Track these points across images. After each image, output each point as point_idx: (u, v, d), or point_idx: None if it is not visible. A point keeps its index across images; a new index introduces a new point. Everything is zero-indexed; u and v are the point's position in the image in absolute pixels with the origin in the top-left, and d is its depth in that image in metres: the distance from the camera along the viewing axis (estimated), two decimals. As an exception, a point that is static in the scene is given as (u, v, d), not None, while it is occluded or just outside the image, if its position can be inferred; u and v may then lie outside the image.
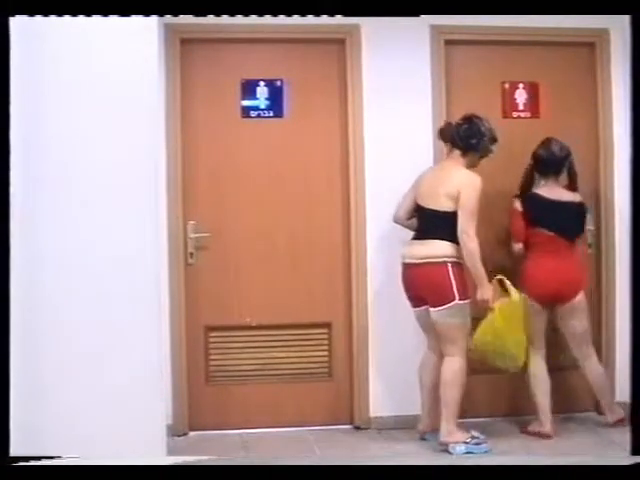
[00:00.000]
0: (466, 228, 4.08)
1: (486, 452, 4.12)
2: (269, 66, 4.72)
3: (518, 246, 4.44)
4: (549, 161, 4.43)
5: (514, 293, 4.21)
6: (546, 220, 4.38)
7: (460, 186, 4.12)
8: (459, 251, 4.11)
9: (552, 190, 4.43)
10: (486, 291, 4.12)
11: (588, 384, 4.54)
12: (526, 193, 4.46)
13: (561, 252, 4.39)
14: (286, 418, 4.67)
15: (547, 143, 4.46)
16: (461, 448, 4.12)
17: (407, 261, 4.25)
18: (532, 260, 4.40)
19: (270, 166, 4.70)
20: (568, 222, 4.43)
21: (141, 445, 3.29)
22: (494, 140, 4.26)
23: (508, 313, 4.18)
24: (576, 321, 4.42)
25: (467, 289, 4.14)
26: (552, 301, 4.38)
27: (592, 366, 4.49)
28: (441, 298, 4.11)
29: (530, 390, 4.45)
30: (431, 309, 4.16)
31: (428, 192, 4.24)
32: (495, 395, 4.80)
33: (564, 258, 4.39)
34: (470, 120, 4.25)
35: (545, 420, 4.39)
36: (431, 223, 4.20)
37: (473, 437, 4.16)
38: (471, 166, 4.24)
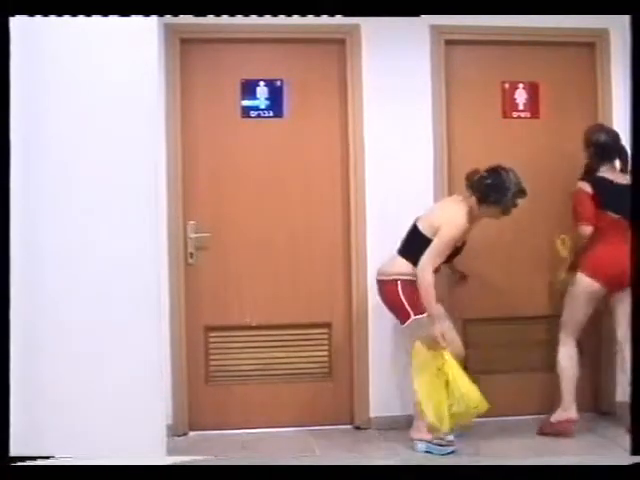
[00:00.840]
0: (426, 264, 4.09)
1: (447, 454, 4.13)
2: (269, 66, 4.72)
3: (589, 229, 4.36)
4: (611, 146, 4.43)
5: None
6: (614, 203, 4.35)
7: (443, 223, 4.13)
8: (413, 270, 4.14)
9: (614, 174, 4.43)
10: (438, 328, 4.08)
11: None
12: (592, 176, 4.42)
13: (624, 235, 4.36)
14: (286, 418, 4.67)
15: (602, 129, 4.48)
16: (422, 446, 4.19)
17: (376, 277, 4.37)
18: (601, 243, 4.36)
19: (270, 166, 4.71)
20: (629, 205, 4.43)
21: (141, 445, 3.29)
22: (521, 193, 4.16)
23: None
24: (622, 307, 4.40)
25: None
26: (617, 284, 4.33)
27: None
28: (400, 316, 4.20)
29: (559, 376, 4.43)
30: (401, 326, 4.25)
31: (427, 214, 4.28)
32: (496, 395, 4.80)
33: (627, 241, 4.39)
34: (496, 173, 4.16)
35: (571, 406, 4.39)
36: (408, 240, 4.25)
37: (438, 438, 4.16)
38: (483, 215, 4.21)
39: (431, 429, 4.12)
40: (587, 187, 4.39)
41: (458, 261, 4.48)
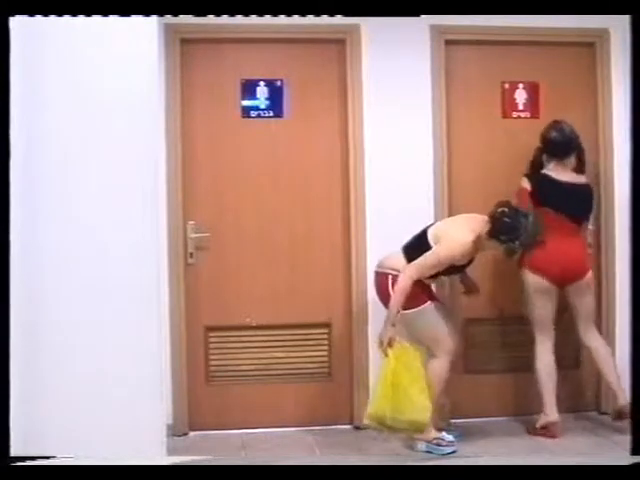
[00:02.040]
0: (411, 270, 4.08)
1: (447, 454, 4.11)
2: (269, 66, 4.72)
3: None
4: (560, 143, 4.44)
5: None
6: (554, 201, 4.38)
7: (444, 238, 4.12)
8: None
9: (561, 172, 4.43)
10: (385, 332, 4.05)
11: (595, 365, 4.49)
12: (533, 173, 4.46)
13: (568, 232, 4.40)
14: (286, 418, 4.67)
15: (557, 125, 4.47)
16: (422, 446, 4.18)
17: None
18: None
19: (270, 166, 4.70)
20: (575, 203, 4.44)
21: (141, 445, 3.29)
22: (534, 243, 4.13)
23: (405, 360, 4.03)
24: (587, 298, 4.44)
25: (413, 297, 4.09)
26: (562, 279, 4.36)
27: (599, 344, 4.46)
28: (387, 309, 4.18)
29: (536, 378, 4.42)
30: None
31: (442, 222, 4.33)
32: (496, 395, 4.80)
33: (571, 238, 4.42)
34: (517, 215, 4.07)
35: (552, 409, 4.37)
36: (414, 239, 4.24)
37: (438, 438, 4.16)
38: (487, 246, 4.15)
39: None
40: (526, 184, 4.43)
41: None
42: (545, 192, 4.40)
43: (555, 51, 4.85)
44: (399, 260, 4.19)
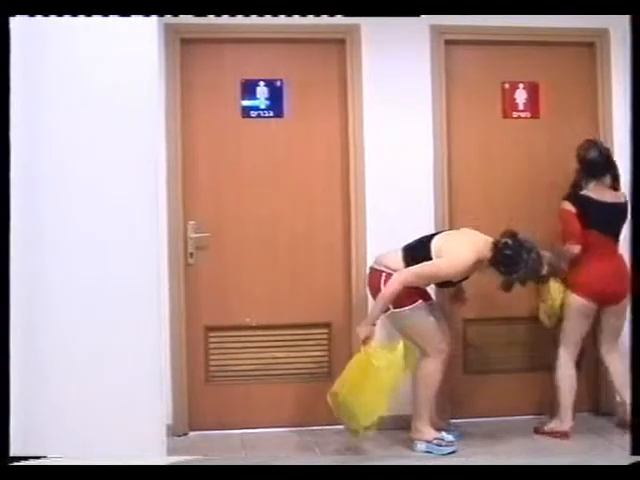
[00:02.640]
0: (408, 275, 4.06)
1: (446, 454, 4.12)
2: (269, 66, 4.72)
3: (577, 247, 4.36)
4: (600, 163, 4.44)
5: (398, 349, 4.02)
6: (598, 222, 4.38)
7: (447, 253, 4.09)
8: (401, 266, 4.14)
9: (601, 192, 4.43)
10: (363, 330, 4.05)
11: (610, 379, 4.51)
12: (576, 195, 4.43)
13: (612, 252, 4.42)
14: (286, 418, 4.67)
15: (594, 145, 4.46)
16: (422, 446, 4.18)
17: None
18: (586, 261, 4.37)
19: (270, 166, 4.71)
20: (617, 223, 4.43)
21: (141, 445, 3.29)
22: (535, 277, 4.13)
23: (364, 364, 4.01)
24: (621, 320, 4.44)
25: (405, 296, 4.09)
26: (607, 300, 4.39)
27: (618, 366, 4.45)
28: None
29: (557, 388, 4.44)
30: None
31: (448, 235, 4.26)
32: (496, 395, 4.80)
33: (615, 258, 4.43)
34: (520, 249, 4.03)
35: (567, 419, 4.39)
36: (417, 243, 4.22)
37: (437, 439, 4.17)
38: (487, 269, 4.14)
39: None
40: (571, 207, 4.40)
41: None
42: (590, 214, 4.38)
43: (555, 51, 4.85)
44: (396, 260, 4.19)
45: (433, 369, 4.17)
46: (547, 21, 4.45)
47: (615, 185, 4.49)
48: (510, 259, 4.01)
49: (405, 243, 4.26)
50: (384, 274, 4.18)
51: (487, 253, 4.08)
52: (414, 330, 4.20)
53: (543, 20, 4.36)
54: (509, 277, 4.05)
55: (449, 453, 4.13)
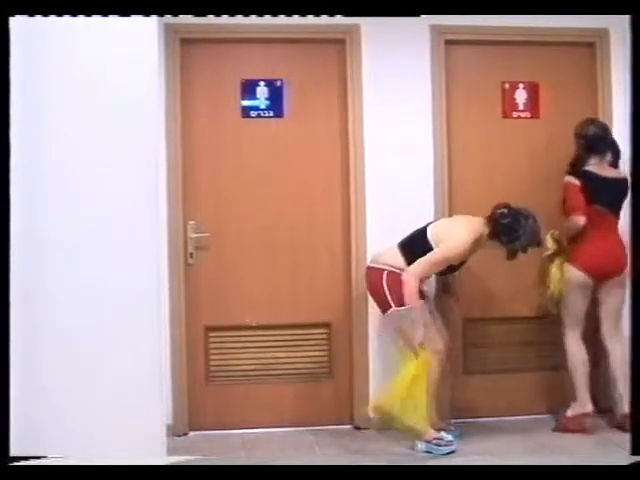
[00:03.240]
0: (415, 272, 4.12)
1: (446, 454, 4.10)
2: (269, 66, 4.72)
3: (582, 219, 4.36)
4: (602, 138, 4.46)
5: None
6: (601, 197, 4.39)
7: (446, 239, 4.15)
8: (403, 263, 4.16)
9: (602, 167, 4.44)
10: (418, 334, 4.09)
11: (608, 368, 4.49)
12: (579, 170, 4.44)
13: (611, 227, 4.43)
14: (286, 418, 4.67)
15: (593, 122, 4.51)
16: (422, 446, 4.16)
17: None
18: (588, 235, 4.38)
19: (270, 166, 4.70)
20: (618, 199, 4.43)
21: (141, 445, 3.29)
22: (534, 244, 4.20)
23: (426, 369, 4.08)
24: (620, 296, 4.43)
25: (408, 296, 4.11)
26: (605, 275, 4.39)
27: (619, 350, 4.43)
28: (381, 305, 4.23)
29: (570, 370, 4.44)
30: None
31: (440, 222, 4.34)
32: (496, 395, 4.80)
33: (614, 233, 4.44)
34: (516, 216, 4.14)
35: (586, 400, 4.39)
36: (413, 237, 4.26)
37: (437, 438, 4.16)
38: (489, 244, 4.21)
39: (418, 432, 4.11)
40: (575, 180, 4.41)
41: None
42: (594, 189, 4.40)
43: (555, 51, 4.85)
44: (395, 256, 4.22)
45: (431, 370, 4.15)
46: (547, 21, 4.44)
47: (615, 162, 4.50)
48: (509, 227, 4.11)
49: (401, 240, 4.27)
50: (385, 272, 4.19)
51: (484, 229, 4.18)
52: (412, 329, 4.18)
53: (543, 20, 4.36)
54: (512, 245, 4.14)
55: (448, 453, 4.13)
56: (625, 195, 4.41)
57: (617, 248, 4.42)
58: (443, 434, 4.21)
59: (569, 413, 4.45)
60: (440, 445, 4.15)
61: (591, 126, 4.49)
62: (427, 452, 4.14)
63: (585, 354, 4.44)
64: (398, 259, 4.20)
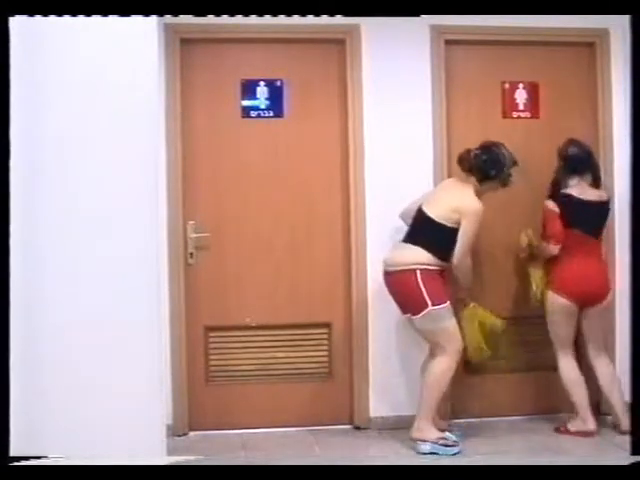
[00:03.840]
0: (462, 255, 4.16)
1: (453, 455, 4.08)
2: (269, 66, 4.72)
3: (556, 248, 4.36)
4: (581, 159, 4.44)
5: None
6: (581, 221, 4.38)
7: (462, 212, 4.15)
8: (434, 260, 4.14)
9: (583, 190, 4.42)
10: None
11: (597, 384, 4.48)
12: (558, 193, 4.43)
13: (593, 252, 4.42)
14: (286, 418, 4.67)
15: (574, 142, 4.47)
16: (426, 446, 4.13)
17: (384, 268, 4.30)
18: (568, 261, 4.37)
19: (270, 166, 4.70)
20: (598, 222, 4.44)
21: (141, 445, 3.29)
22: (514, 164, 4.28)
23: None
24: (603, 320, 4.44)
25: (442, 293, 4.13)
26: (588, 302, 4.37)
27: (607, 371, 4.45)
28: (415, 306, 4.14)
29: (567, 391, 4.43)
30: (411, 317, 4.21)
31: (433, 200, 4.28)
32: (497, 395, 4.80)
33: (596, 258, 4.44)
34: (489, 149, 4.26)
35: (587, 418, 4.37)
36: (421, 229, 4.23)
37: (442, 438, 4.15)
38: (485, 192, 4.27)
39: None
40: (554, 206, 4.39)
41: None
42: (573, 213, 4.37)
43: (555, 51, 4.85)
44: (421, 254, 4.15)
45: (447, 368, 4.14)
46: (547, 21, 4.45)
47: (596, 183, 4.48)
48: (491, 161, 4.24)
49: (409, 238, 4.26)
50: (418, 271, 4.11)
51: (471, 180, 4.27)
52: (443, 329, 4.14)
53: (543, 20, 4.36)
54: (502, 175, 4.25)
55: (455, 454, 4.09)
56: (606, 219, 4.45)
57: (599, 274, 4.42)
58: (447, 434, 4.19)
59: (571, 428, 4.42)
60: (447, 445, 4.12)
61: (571, 147, 4.45)
62: (432, 453, 4.11)
63: (579, 375, 4.43)
64: (425, 256, 4.15)
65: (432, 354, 4.24)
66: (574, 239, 4.36)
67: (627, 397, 4.22)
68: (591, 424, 4.37)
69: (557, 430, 4.48)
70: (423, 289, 4.10)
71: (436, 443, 4.13)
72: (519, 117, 4.87)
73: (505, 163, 4.24)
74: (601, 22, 4.68)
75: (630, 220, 3.23)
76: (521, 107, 4.86)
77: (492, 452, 4.16)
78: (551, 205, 4.40)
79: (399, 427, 4.47)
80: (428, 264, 4.13)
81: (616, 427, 4.39)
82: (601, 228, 4.47)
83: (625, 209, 4.34)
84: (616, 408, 4.40)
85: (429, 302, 4.09)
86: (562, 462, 3.68)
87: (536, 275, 4.48)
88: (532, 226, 4.55)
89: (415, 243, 4.20)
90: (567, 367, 4.43)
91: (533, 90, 4.86)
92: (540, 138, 4.81)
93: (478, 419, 4.68)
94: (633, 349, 3.06)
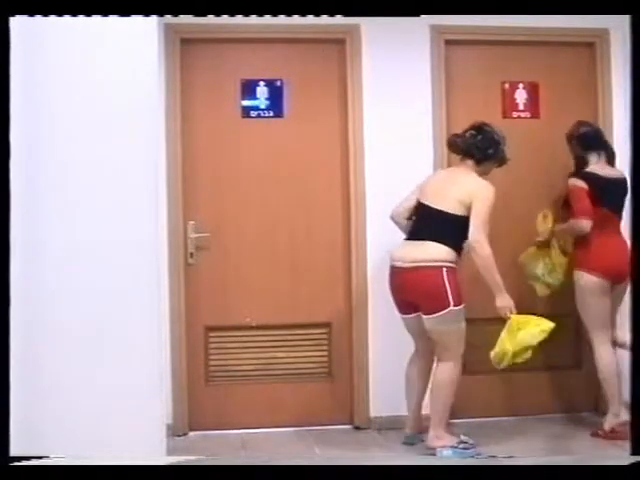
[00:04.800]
0: (479, 237, 4.00)
1: (473, 457, 4.07)
2: (269, 66, 4.73)
3: (589, 223, 4.31)
4: (593, 136, 4.45)
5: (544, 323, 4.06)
6: (606, 199, 4.35)
7: (473, 194, 4.06)
8: (455, 256, 4.07)
9: (603, 167, 4.42)
10: (504, 299, 4.06)
11: (595, 370, 4.41)
12: (583, 172, 4.40)
13: (617, 229, 4.40)
14: (286, 418, 4.67)
15: (584, 123, 4.49)
16: (448, 452, 4.08)
17: (397, 264, 4.15)
18: (598, 238, 4.33)
19: (270, 166, 4.71)
20: (620, 200, 4.40)
21: (141, 445, 3.29)
22: (504, 141, 4.26)
23: (523, 321, 4.06)
24: (622, 298, 4.37)
25: (461, 294, 4.09)
26: (620, 277, 4.28)
27: (605, 352, 4.37)
28: (435, 305, 4.03)
29: (604, 384, 4.35)
30: (424, 316, 4.09)
31: (437, 192, 4.18)
32: (497, 396, 4.80)
33: (619, 235, 4.40)
34: (482, 129, 4.23)
35: (618, 409, 4.27)
36: (432, 224, 4.14)
37: (462, 442, 4.13)
38: (484, 173, 4.22)
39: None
40: (582, 183, 4.36)
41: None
42: (599, 191, 4.34)
43: (555, 51, 4.86)
44: (445, 250, 4.05)
45: (457, 374, 4.12)
46: (547, 21, 4.45)
47: (611, 161, 4.48)
48: (487, 140, 4.20)
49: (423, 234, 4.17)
50: (445, 269, 4.02)
51: (468, 164, 4.21)
52: (457, 330, 4.10)
53: (543, 20, 4.37)
54: (499, 153, 4.21)
55: (475, 455, 4.06)
56: (625, 195, 4.40)
57: (624, 250, 4.38)
58: (463, 437, 4.17)
59: (606, 427, 4.33)
60: (468, 448, 4.09)
61: (581, 126, 4.48)
62: (455, 456, 4.07)
63: (615, 360, 4.32)
64: (443, 250, 4.05)
65: (429, 358, 4.24)
66: (601, 216, 4.33)
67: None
68: (623, 415, 4.20)
69: (595, 435, 4.38)
70: (448, 287, 4.00)
71: (457, 447, 4.09)
72: (519, 117, 4.87)
73: (500, 141, 4.21)
74: (601, 22, 4.69)
75: (630, 220, 3.22)
76: (521, 107, 4.87)
77: (492, 452, 4.16)
78: (579, 182, 4.35)
79: (399, 427, 4.47)
80: (451, 261, 4.04)
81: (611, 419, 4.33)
82: (622, 205, 4.41)
83: (625, 208, 4.37)
84: (608, 397, 4.34)
85: (451, 301, 4.01)
86: (562, 462, 3.67)
87: (557, 261, 4.43)
88: (532, 228, 4.55)
89: (432, 239, 4.07)
90: (606, 354, 4.33)
91: (533, 90, 4.87)
92: (540, 138, 4.81)
93: (478, 419, 4.68)
94: (633, 349, 3.05)
